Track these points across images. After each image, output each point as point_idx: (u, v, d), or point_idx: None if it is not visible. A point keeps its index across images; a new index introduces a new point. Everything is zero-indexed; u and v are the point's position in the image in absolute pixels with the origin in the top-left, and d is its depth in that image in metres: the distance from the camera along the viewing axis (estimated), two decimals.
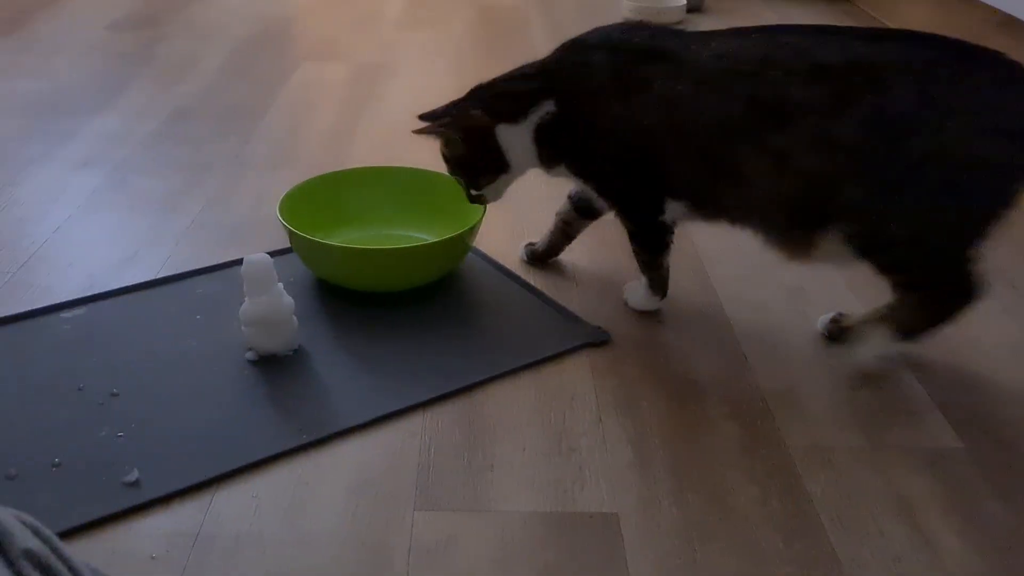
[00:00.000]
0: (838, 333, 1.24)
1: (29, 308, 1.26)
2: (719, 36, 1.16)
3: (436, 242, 1.31)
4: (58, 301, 1.28)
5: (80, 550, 0.88)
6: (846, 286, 1.33)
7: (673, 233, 1.26)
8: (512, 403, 1.11)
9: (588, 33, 1.23)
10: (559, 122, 1.21)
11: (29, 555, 0.53)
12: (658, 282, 1.28)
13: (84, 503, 0.93)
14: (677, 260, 1.41)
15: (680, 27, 1.24)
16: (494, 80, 1.26)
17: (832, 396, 1.15)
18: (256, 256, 1.14)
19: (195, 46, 2.45)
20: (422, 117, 1.27)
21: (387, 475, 0.99)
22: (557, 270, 1.41)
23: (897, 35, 1.14)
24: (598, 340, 1.22)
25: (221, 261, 1.39)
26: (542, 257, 1.41)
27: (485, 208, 1.34)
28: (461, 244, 1.34)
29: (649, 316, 1.29)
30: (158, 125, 1.93)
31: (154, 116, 1.97)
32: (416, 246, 1.30)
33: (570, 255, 1.44)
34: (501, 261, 1.40)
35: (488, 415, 1.08)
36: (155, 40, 2.50)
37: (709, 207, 1.20)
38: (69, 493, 0.94)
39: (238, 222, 1.53)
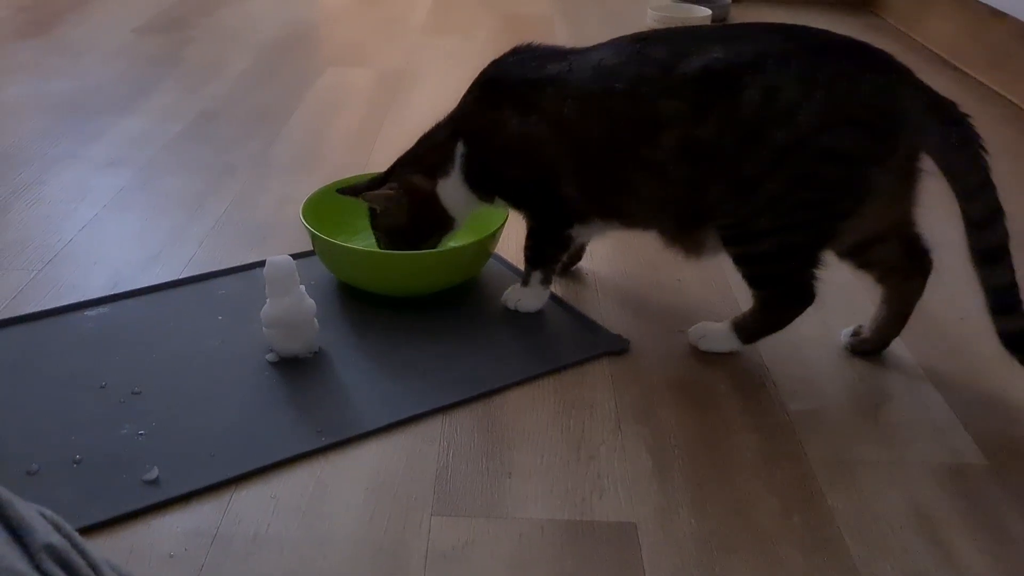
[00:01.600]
0: (860, 346, 1.23)
1: (54, 305, 1.27)
2: (600, 51, 1.20)
3: (457, 248, 1.31)
4: (83, 299, 1.29)
5: (99, 547, 0.88)
6: (868, 299, 1.31)
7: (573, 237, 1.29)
8: (531, 410, 1.10)
9: (486, 68, 1.27)
10: (472, 160, 1.25)
11: (50, 550, 0.53)
12: (549, 276, 1.29)
13: (104, 500, 0.93)
14: (697, 269, 1.41)
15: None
16: (415, 145, 1.30)
17: (854, 409, 1.14)
18: (278, 258, 1.14)
19: (221, 50, 2.47)
20: (343, 192, 1.31)
21: (405, 479, 0.99)
22: (577, 278, 1.41)
23: (758, 31, 1.15)
24: (618, 348, 1.22)
25: (243, 262, 1.40)
26: (566, 265, 1.40)
27: (508, 213, 1.34)
28: (482, 250, 1.34)
29: (669, 325, 1.29)
30: (184, 127, 1.95)
31: (180, 118, 1.99)
32: (437, 251, 1.30)
33: (590, 262, 1.44)
34: (522, 267, 1.39)
35: (507, 422, 1.08)
36: (182, 43, 2.52)
37: (616, 217, 1.24)
38: (89, 490, 0.95)
39: (261, 223, 1.54)
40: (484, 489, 0.98)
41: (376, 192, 1.27)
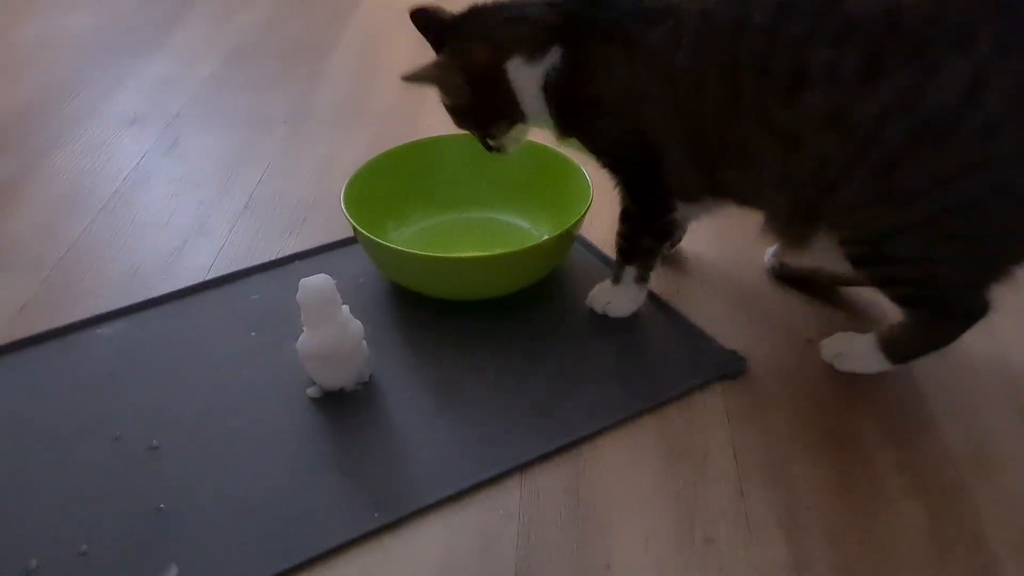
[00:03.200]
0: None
1: (67, 316, 1.09)
2: None
3: (533, 247, 1.06)
4: (97, 308, 1.11)
5: None
6: None
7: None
8: (630, 467, 0.89)
9: None
10: (561, 80, 0.96)
11: None
12: (646, 273, 1.05)
13: None
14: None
15: None
16: (492, 7, 0.98)
17: None
18: (314, 280, 0.93)
19: None
20: (408, 79, 1.00)
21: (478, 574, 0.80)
22: (676, 264, 1.17)
23: None
24: (733, 372, 0.99)
25: (280, 254, 1.20)
26: (672, 243, 1.16)
27: (592, 195, 1.09)
28: (564, 242, 1.10)
29: (796, 329, 1.05)
30: (215, 68, 1.72)
31: (210, 56, 1.76)
32: (508, 254, 1.06)
33: (693, 243, 1.19)
34: (612, 254, 1.15)
35: (600, 486, 0.87)
36: None
37: (730, 195, 0.99)
38: None
39: (301, 198, 1.32)
40: None
41: (417, 71, 0.97)
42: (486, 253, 1.07)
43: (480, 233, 1.19)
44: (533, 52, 0.96)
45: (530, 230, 1.18)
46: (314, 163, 1.41)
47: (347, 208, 1.08)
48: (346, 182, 1.13)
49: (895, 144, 0.82)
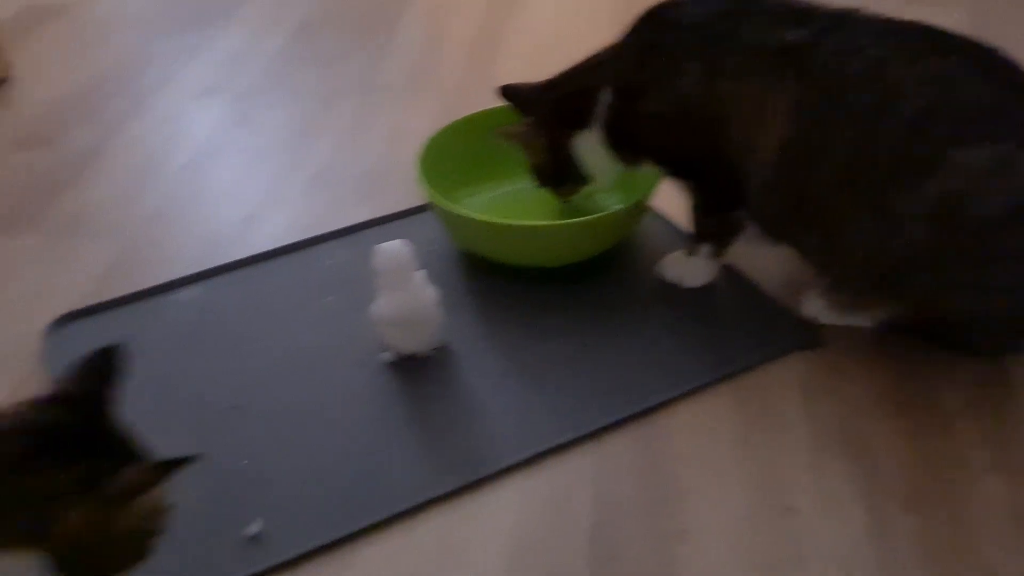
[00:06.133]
0: None
1: (148, 280, 1.12)
2: (873, 39, 0.87)
3: (605, 215, 1.07)
4: (174, 272, 1.13)
5: None
6: None
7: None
8: (705, 435, 0.89)
9: (678, 1, 0.97)
10: (620, 113, 1.01)
11: None
12: (721, 249, 1.06)
13: (200, 563, 0.79)
14: None
15: None
16: (567, 72, 1.06)
17: None
18: (390, 246, 0.94)
19: None
20: (505, 91, 1.10)
21: (553, 539, 0.80)
22: (751, 233, 1.15)
23: None
24: (809, 343, 0.98)
25: (352, 221, 1.21)
26: None
27: None
28: (636, 211, 1.10)
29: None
30: (284, 41, 1.74)
31: (280, 29, 1.78)
32: (579, 222, 1.06)
33: None
34: (684, 224, 1.14)
35: (676, 453, 0.87)
36: None
37: (794, 244, 0.98)
38: (183, 548, 0.79)
39: (371, 168, 1.34)
40: (652, 558, 0.78)
41: (509, 129, 1.09)
42: (558, 221, 1.07)
43: (552, 201, 1.19)
44: (585, 120, 1.03)
45: (603, 198, 1.18)
46: (383, 134, 1.42)
47: (422, 175, 1.09)
48: (421, 149, 1.13)
49: (1012, 245, 0.83)
